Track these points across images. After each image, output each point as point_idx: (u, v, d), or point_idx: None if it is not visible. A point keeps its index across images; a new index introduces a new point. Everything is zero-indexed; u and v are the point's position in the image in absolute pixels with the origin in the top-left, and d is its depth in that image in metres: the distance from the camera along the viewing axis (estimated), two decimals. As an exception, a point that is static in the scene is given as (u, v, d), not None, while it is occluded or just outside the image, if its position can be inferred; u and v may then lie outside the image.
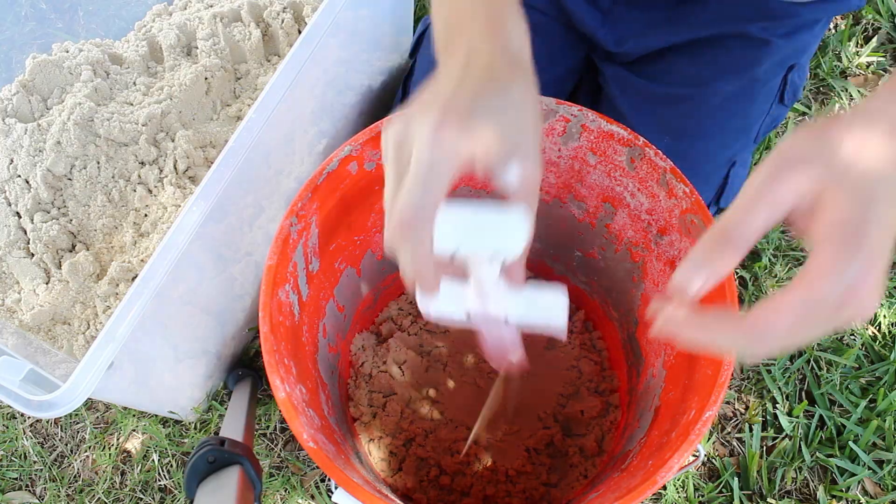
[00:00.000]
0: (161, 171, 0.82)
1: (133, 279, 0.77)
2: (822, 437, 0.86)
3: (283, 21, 0.90)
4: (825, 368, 0.89)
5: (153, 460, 0.88)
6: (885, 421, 0.85)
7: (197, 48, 0.90)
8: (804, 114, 1.04)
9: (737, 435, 0.87)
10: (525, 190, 0.41)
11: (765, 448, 0.86)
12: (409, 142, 0.38)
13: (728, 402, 0.88)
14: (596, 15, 0.75)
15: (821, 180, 0.33)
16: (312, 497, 0.85)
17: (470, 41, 0.43)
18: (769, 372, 0.88)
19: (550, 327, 0.47)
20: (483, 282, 0.44)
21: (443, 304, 0.46)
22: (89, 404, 0.92)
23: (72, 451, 0.91)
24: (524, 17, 0.45)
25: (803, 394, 0.89)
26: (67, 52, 0.90)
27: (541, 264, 0.83)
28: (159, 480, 0.88)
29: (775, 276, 0.93)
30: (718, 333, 0.34)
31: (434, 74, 0.42)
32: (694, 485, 0.83)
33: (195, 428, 0.89)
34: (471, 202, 0.40)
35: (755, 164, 0.98)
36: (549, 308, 0.47)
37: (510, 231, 0.41)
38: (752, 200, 0.34)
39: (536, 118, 0.42)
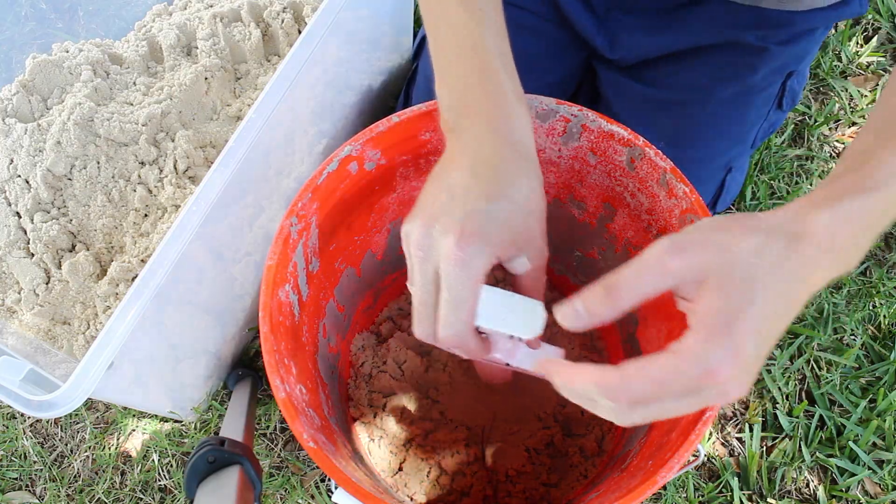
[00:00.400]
0: (161, 171, 0.82)
1: (133, 279, 0.77)
2: (822, 437, 0.86)
3: (283, 21, 0.90)
4: (825, 368, 0.89)
5: (153, 460, 0.88)
6: (885, 421, 0.85)
7: (197, 48, 0.90)
8: (804, 114, 1.04)
9: (737, 435, 0.87)
10: (532, 275, 0.48)
11: (765, 448, 0.86)
12: (434, 256, 0.43)
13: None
14: (592, 20, 0.75)
15: (711, 266, 0.36)
16: (312, 497, 0.85)
17: (476, 133, 0.46)
18: (769, 372, 0.88)
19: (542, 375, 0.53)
20: (496, 342, 0.53)
21: None
22: (89, 404, 0.92)
23: (72, 451, 0.91)
24: (527, 106, 0.48)
25: (803, 394, 0.89)
26: (67, 52, 0.90)
27: (541, 264, 0.83)
28: (159, 480, 0.88)
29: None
30: (582, 380, 0.37)
31: (445, 157, 0.46)
32: (694, 485, 0.83)
33: (195, 428, 0.89)
34: (497, 289, 0.47)
35: (755, 165, 0.98)
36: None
37: (529, 320, 0.49)
38: (645, 266, 0.37)
39: (542, 211, 0.47)
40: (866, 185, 0.38)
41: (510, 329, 0.51)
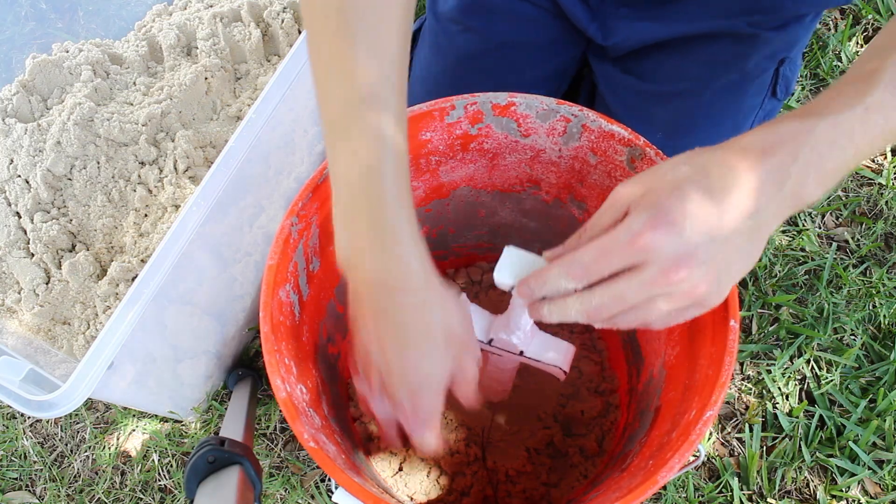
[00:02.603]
0: (161, 171, 0.82)
1: (133, 279, 0.77)
2: (822, 437, 0.86)
3: (283, 21, 0.90)
4: (825, 368, 0.89)
5: (153, 460, 0.88)
6: (885, 421, 0.85)
7: (197, 48, 0.90)
8: (804, 114, 1.04)
9: (737, 435, 0.87)
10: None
11: (765, 448, 0.86)
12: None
13: (728, 402, 0.88)
14: (585, 9, 0.75)
15: (650, 178, 0.41)
16: (312, 497, 0.85)
17: (372, 293, 0.45)
18: (769, 372, 0.88)
19: (554, 367, 0.58)
20: (519, 318, 0.55)
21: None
22: (89, 404, 0.92)
23: (72, 451, 0.91)
24: (419, 231, 0.46)
25: (803, 394, 0.89)
26: (67, 52, 0.90)
27: (541, 264, 0.83)
28: (159, 480, 0.88)
29: (775, 275, 0.93)
30: (550, 272, 0.42)
31: (353, 302, 0.46)
32: (694, 485, 0.83)
33: (195, 428, 0.89)
34: (529, 253, 0.49)
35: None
36: (559, 352, 0.58)
37: None
38: (605, 203, 0.43)
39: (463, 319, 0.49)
40: (813, 110, 0.41)
41: None
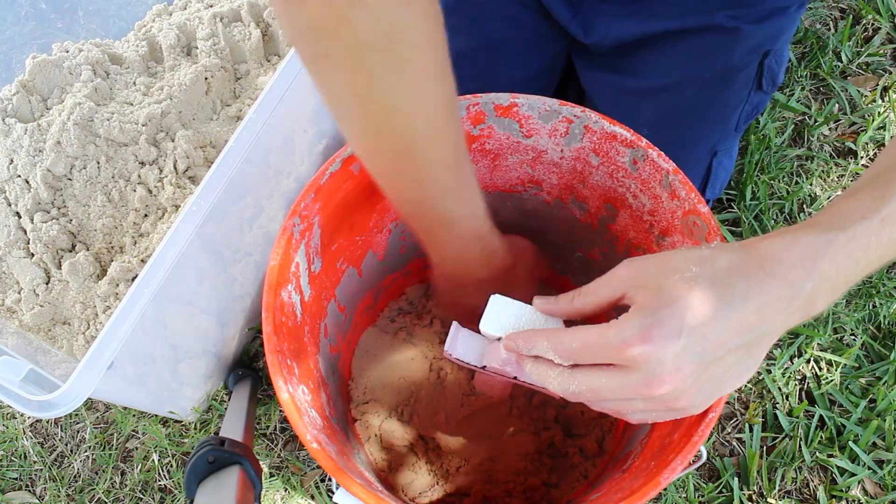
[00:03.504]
0: (161, 171, 0.82)
1: (133, 279, 0.77)
2: (822, 437, 0.86)
3: (283, 21, 0.90)
4: (825, 368, 0.89)
5: (153, 460, 0.88)
6: (885, 421, 0.85)
7: (197, 48, 0.90)
8: (804, 114, 1.04)
9: (737, 435, 0.87)
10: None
11: (765, 448, 0.86)
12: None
13: (728, 402, 0.89)
14: (566, 6, 0.75)
15: (653, 271, 0.41)
16: (312, 497, 0.85)
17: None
18: (769, 372, 0.88)
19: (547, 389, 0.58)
20: (510, 356, 0.55)
21: (465, 352, 0.58)
22: (89, 404, 0.92)
23: (72, 451, 0.90)
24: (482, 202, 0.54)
25: (803, 394, 0.89)
26: (67, 52, 0.89)
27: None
28: (159, 480, 0.88)
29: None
30: (538, 338, 0.43)
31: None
32: (694, 485, 0.83)
33: (195, 428, 0.89)
34: (515, 302, 0.51)
35: (755, 165, 0.98)
36: None
37: None
38: (605, 277, 0.43)
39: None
40: (831, 222, 0.40)
41: None
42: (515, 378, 0.59)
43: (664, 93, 0.77)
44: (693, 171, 0.80)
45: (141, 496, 0.87)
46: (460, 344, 0.57)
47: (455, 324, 0.61)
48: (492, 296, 0.51)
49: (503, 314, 0.50)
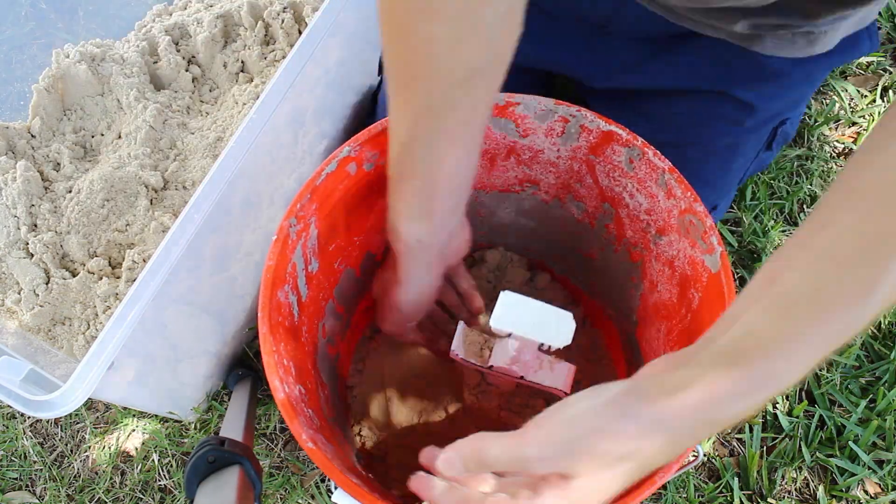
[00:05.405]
0: (161, 171, 0.82)
1: (133, 279, 0.77)
2: (822, 437, 0.86)
3: (283, 21, 0.90)
4: (825, 368, 0.89)
5: (153, 460, 0.88)
6: (885, 421, 0.85)
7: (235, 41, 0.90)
8: (804, 114, 1.04)
9: (737, 435, 0.87)
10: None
11: (765, 448, 0.86)
12: None
13: (728, 402, 0.88)
14: (569, 56, 0.74)
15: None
16: (312, 497, 0.86)
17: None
18: (769, 372, 0.88)
19: (555, 389, 0.60)
20: (517, 351, 0.57)
21: (471, 353, 0.59)
22: (89, 404, 0.92)
23: (72, 451, 0.91)
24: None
25: (803, 394, 0.89)
26: (68, 57, 0.90)
27: (540, 264, 0.83)
28: (159, 480, 0.88)
29: (775, 276, 0.93)
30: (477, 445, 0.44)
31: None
32: (694, 485, 0.83)
33: (195, 428, 0.89)
34: (525, 298, 0.52)
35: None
36: (559, 374, 0.60)
37: (559, 329, 0.55)
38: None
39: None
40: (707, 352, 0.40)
41: (542, 338, 0.55)
42: (522, 378, 0.59)
43: (668, 147, 0.75)
44: None
45: (141, 496, 0.87)
46: (467, 344, 0.57)
47: (461, 324, 0.61)
48: (502, 292, 0.51)
49: (512, 310, 0.51)
